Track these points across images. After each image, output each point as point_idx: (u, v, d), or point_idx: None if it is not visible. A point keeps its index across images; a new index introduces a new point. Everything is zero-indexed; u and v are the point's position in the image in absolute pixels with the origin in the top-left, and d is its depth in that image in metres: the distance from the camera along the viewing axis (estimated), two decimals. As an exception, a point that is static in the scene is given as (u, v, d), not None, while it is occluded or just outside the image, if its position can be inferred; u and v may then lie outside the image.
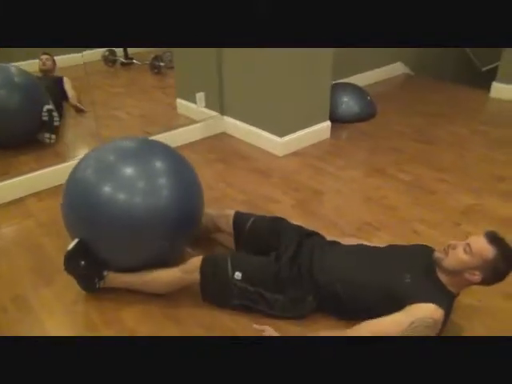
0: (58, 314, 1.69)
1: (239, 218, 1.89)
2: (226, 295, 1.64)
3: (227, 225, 1.90)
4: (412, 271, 1.54)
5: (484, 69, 3.82)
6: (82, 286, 1.74)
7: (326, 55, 2.88)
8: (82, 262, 1.66)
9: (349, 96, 3.38)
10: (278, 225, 1.84)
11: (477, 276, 1.45)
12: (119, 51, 4.31)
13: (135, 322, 1.64)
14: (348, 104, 3.37)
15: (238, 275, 1.61)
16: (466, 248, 1.45)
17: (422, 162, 2.78)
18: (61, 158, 2.67)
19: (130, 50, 4.34)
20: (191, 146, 3.07)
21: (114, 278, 1.72)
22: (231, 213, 1.92)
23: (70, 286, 1.77)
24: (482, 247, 1.44)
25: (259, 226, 1.86)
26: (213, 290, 1.66)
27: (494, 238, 1.46)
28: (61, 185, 2.48)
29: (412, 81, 4.33)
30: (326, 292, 1.60)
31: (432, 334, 1.42)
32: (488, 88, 3.79)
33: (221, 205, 2.35)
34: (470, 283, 1.49)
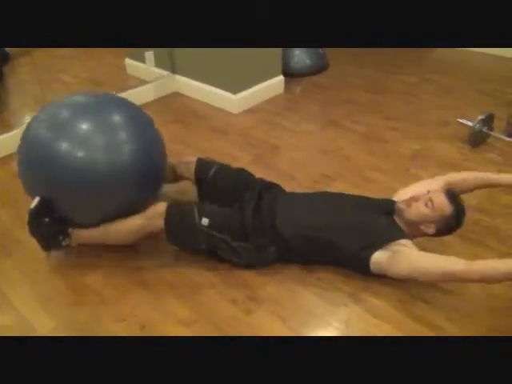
0: (20, 284, 1.68)
1: (201, 166, 1.87)
2: (194, 240, 1.65)
3: (188, 172, 1.88)
4: (383, 215, 1.64)
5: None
6: (45, 245, 1.70)
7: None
8: (46, 220, 1.62)
9: (300, 49, 3.37)
10: (240, 178, 1.85)
11: (431, 229, 1.58)
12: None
13: (101, 286, 1.65)
14: (300, 57, 3.36)
15: (204, 221, 1.61)
16: (428, 203, 1.56)
17: (374, 112, 2.84)
18: (6, 126, 2.55)
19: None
20: (144, 107, 2.92)
21: (79, 234, 1.70)
22: (193, 160, 1.90)
23: (30, 256, 1.76)
24: (443, 203, 1.55)
25: (223, 176, 1.85)
26: (180, 235, 1.66)
27: (452, 197, 1.57)
28: (9, 155, 2.40)
29: (362, 31, 4.34)
30: (291, 239, 1.62)
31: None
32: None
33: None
34: (424, 235, 1.62)
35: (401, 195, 1.75)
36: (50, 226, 1.64)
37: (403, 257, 1.50)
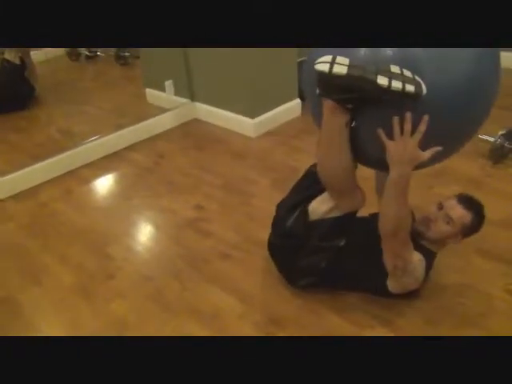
0: (48, 313, 1.72)
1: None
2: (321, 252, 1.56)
3: None
4: None
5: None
6: None
7: (290, 33, 2.89)
8: None
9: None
10: None
11: (459, 239, 1.55)
12: (82, 44, 4.24)
13: (124, 311, 1.68)
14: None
15: (341, 241, 1.56)
16: (450, 221, 1.51)
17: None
18: (34, 159, 2.64)
19: (94, 42, 4.27)
20: (165, 135, 3.08)
21: None
22: None
23: (56, 283, 1.80)
24: (461, 215, 1.51)
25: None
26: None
27: (467, 202, 1.53)
28: (37, 185, 2.48)
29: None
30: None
31: (408, 280, 1.51)
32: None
33: (199, 189, 2.39)
34: (452, 243, 1.58)
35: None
36: None
37: None
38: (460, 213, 1.52)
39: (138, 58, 3.57)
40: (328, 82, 1.23)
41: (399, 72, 1.18)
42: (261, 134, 2.95)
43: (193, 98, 3.22)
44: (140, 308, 1.68)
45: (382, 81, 1.17)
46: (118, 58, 4.12)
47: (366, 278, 1.59)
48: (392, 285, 1.53)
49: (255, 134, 2.94)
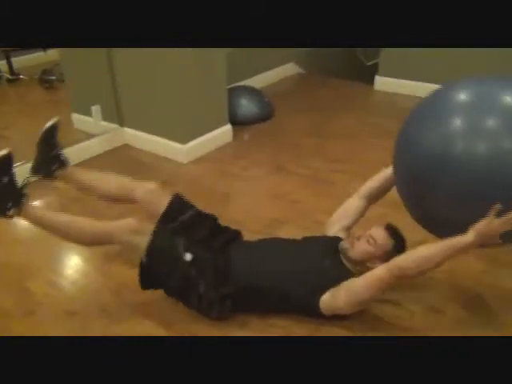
0: None
1: (178, 204, 1.80)
2: (170, 272, 1.58)
3: (152, 202, 1.78)
4: (328, 256, 1.67)
5: (369, 63, 4.17)
6: None
7: (219, 59, 2.94)
8: (5, 179, 1.54)
9: (246, 99, 3.49)
10: (216, 227, 1.83)
11: (377, 265, 1.61)
12: (3, 66, 4.04)
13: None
14: (247, 106, 3.47)
15: (188, 256, 1.58)
16: (370, 240, 1.61)
17: (318, 156, 2.95)
18: None
19: (17, 64, 4.08)
20: (92, 161, 2.98)
21: (32, 210, 1.61)
22: (160, 191, 1.81)
23: None
24: (385, 241, 1.61)
25: (199, 222, 1.79)
26: (157, 267, 1.59)
27: (393, 232, 1.64)
28: None
29: (305, 79, 4.56)
30: (246, 289, 1.62)
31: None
32: (372, 81, 4.12)
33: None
34: (369, 269, 1.64)
35: (335, 224, 1.83)
36: (6, 187, 1.54)
37: (343, 288, 1.55)
38: (383, 238, 1.62)
39: (63, 81, 3.45)
40: None
41: None
42: (192, 160, 2.94)
43: (122, 123, 3.16)
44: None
45: None
46: (43, 81, 3.96)
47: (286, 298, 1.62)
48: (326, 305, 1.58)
49: (186, 160, 2.92)
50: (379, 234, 1.62)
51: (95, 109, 3.13)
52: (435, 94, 1.54)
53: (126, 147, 3.16)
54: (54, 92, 3.96)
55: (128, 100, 3.06)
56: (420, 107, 1.56)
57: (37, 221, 1.64)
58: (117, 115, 3.13)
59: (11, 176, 1.55)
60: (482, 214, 1.32)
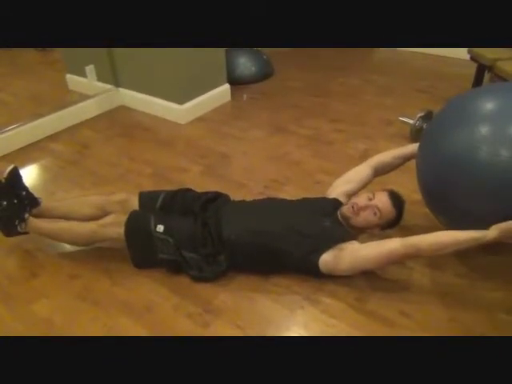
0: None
1: (147, 199, 1.82)
2: (152, 249, 1.64)
3: (126, 210, 1.75)
4: (328, 217, 1.67)
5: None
6: (3, 228, 1.76)
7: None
8: (4, 203, 1.69)
9: (245, 57, 3.39)
10: (186, 199, 1.82)
11: (376, 231, 1.65)
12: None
13: (48, 312, 1.59)
14: (245, 65, 3.39)
15: (159, 228, 1.63)
16: (377, 212, 1.60)
17: (319, 116, 2.90)
18: None
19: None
20: (89, 123, 2.93)
21: (33, 223, 1.74)
22: (127, 197, 1.82)
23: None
24: (389, 211, 1.62)
25: (170, 203, 1.81)
26: (137, 243, 1.66)
27: (395, 199, 1.64)
28: None
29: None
30: (238, 247, 1.62)
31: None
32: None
33: (127, 180, 2.31)
34: (369, 234, 1.68)
35: (338, 187, 1.81)
36: (7, 209, 1.69)
37: (347, 252, 1.55)
38: (389, 208, 1.62)
39: (56, 41, 3.35)
40: None
41: None
42: (190, 121, 2.89)
43: (117, 83, 3.08)
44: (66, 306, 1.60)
45: None
46: (35, 41, 3.84)
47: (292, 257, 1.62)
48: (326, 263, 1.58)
49: (184, 121, 2.87)
50: (386, 207, 1.62)
51: (89, 69, 3.05)
52: (463, 98, 1.61)
53: (122, 108, 3.10)
54: (48, 53, 3.85)
55: (123, 60, 2.98)
56: (446, 111, 1.63)
57: (41, 231, 1.77)
58: (112, 75, 3.05)
59: (9, 198, 1.70)
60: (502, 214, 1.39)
